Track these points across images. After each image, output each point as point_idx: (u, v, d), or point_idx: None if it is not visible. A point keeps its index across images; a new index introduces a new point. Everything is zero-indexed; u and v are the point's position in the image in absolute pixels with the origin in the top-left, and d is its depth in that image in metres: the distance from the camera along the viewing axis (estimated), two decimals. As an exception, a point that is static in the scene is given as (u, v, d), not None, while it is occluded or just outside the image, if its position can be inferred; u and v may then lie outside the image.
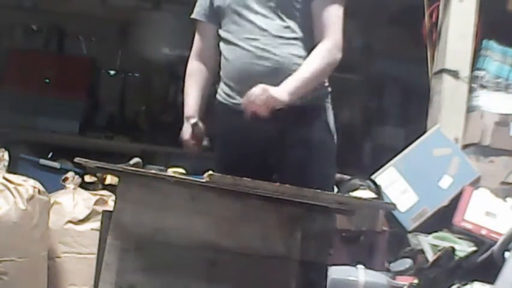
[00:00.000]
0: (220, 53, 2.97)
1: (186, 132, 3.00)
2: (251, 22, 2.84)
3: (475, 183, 4.40)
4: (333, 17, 2.82)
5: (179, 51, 6.41)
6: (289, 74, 2.77)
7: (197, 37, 3.11)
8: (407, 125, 6.13)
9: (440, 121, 4.53)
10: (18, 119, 5.92)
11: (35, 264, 3.29)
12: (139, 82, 6.76)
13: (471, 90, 4.61)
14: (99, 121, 6.54)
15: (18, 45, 6.41)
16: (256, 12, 2.84)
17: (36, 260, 3.30)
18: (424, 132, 4.54)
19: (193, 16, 3.07)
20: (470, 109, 4.59)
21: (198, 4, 3.08)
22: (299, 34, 2.84)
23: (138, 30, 6.14)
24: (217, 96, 3.00)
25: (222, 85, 2.99)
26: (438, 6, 4.70)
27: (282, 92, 2.71)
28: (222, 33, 2.94)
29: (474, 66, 4.64)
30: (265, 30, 2.83)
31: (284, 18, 2.83)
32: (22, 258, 3.21)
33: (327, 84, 2.93)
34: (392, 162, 4.41)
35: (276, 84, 2.75)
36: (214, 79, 3.08)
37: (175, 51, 6.48)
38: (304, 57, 2.81)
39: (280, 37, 2.82)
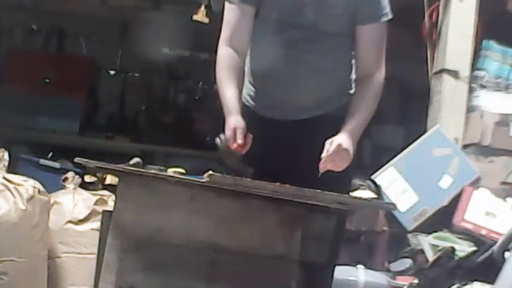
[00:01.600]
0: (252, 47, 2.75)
1: (228, 128, 2.60)
2: (297, 29, 2.69)
3: (475, 183, 4.40)
4: (383, 48, 2.77)
5: (179, 51, 6.43)
6: (321, 89, 2.71)
7: (230, 20, 2.72)
8: (407, 125, 6.13)
9: (440, 121, 4.52)
10: (18, 119, 5.92)
11: (35, 264, 3.29)
12: (139, 82, 6.75)
13: (471, 90, 4.61)
14: (99, 121, 6.54)
15: (18, 45, 6.41)
16: (304, 22, 2.68)
17: (36, 260, 3.30)
18: (424, 132, 4.53)
19: None
20: (470, 109, 4.59)
21: None
22: (333, 48, 2.74)
23: (138, 30, 6.14)
24: (243, 100, 2.79)
25: (248, 88, 2.82)
26: (438, 6, 4.69)
27: (351, 144, 2.60)
28: (261, 26, 2.72)
29: (474, 66, 4.64)
30: (307, 40, 2.70)
31: (326, 33, 2.71)
32: (22, 258, 3.21)
33: (352, 89, 2.84)
34: (392, 162, 4.40)
35: (306, 95, 2.70)
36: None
37: (175, 51, 6.48)
38: (334, 71, 2.73)
39: (319, 51, 2.71)
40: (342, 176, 2.66)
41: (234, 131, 2.57)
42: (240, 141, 2.55)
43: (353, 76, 2.83)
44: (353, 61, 2.81)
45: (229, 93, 2.64)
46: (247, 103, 2.80)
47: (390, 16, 2.80)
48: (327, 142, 2.57)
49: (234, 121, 2.58)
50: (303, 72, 2.71)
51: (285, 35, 2.69)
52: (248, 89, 2.82)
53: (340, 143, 2.55)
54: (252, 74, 2.79)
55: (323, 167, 2.55)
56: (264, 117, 2.77)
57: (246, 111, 2.69)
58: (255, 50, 2.76)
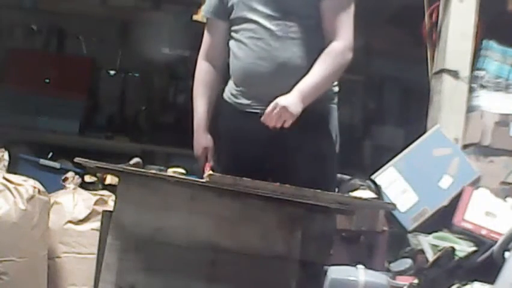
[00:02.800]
0: (229, 51, 2.95)
1: (199, 146, 3.05)
2: (255, 22, 2.83)
3: (475, 183, 4.39)
4: (344, 17, 2.80)
5: (180, 51, 6.42)
6: (292, 75, 2.76)
7: (206, 35, 3.06)
8: (407, 125, 6.13)
9: (440, 121, 4.52)
10: (18, 119, 5.91)
11: (35, 264, 3.29)
12: (139, 82, 6.75)
13: (471, 90, 4.61)
14: (99, 121, 6.53)
15: (18, 45, 6.40)
16: (261, 12, 2.82)
17: (36, 260, 3.30)
18: (424, 132, 4.53)
19: (202, 14, 3.09)
20: (470, 109, 4.59)
21: (206, 1, 3.04)
22: (303, 35, 2.82)
23: (138, 30, 6.14)
24: (224, 94, 3.01)
25: (229, 83, 3.00)
26: (438, 6, 4.69)
27: (295, 102, 2.69)
28: (231, 30, 2.93)
29: (474, 66, 4.64)
30: (268, 29, 2.82)
31: (288, 18, 2.81)
32: (22, 258, 3.20)
33: (334, 84, 2.92)
34: (392, 162, 4.40)
35: (280, 85, 2.74)
36: (222, 79, 3.06)
37: (175, 51, 6.48)
38: (307, 58, 2.81)
39: (284, 37, 2.81)
40: (325, 171, 2.82)
41: (205, 151, 2.99)
42: (211, 162, 2.96)
43: None
44: None
45: (199, 109, 3.06)
46: (229, 100, 2.96)
47: None
48: (270, 105, 2.71)
49: (203, 141, 3.03)
50: (277, 67, 2.80)
51: (256, 34, 2.83)
52: (231, 87, 2.97)
53: (277, 102, 2.69)
54: (233, 74, 2.95)
55: (263, 121, 2.71)
56: (246, 112, 2.88)
57: (228, 109, 2.94)
58: (233, 50, 2.92)
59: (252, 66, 2.83)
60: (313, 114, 2.79)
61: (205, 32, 3.05)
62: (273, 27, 2.81)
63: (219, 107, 3.04)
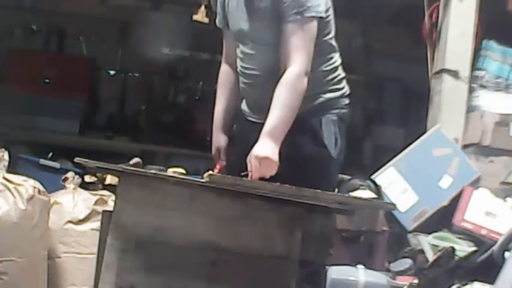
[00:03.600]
0: None
1: (213, 145, 3.07)
2: (239, 30, 2.91)
3: (475, 183, 4.40)
4: (300, 41, 2.73)
5: (180, 51, 6.43)
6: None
7: (224, 41, 3.14)
8: (407, 125, 6.13)
9: (440, 121, 4.52)
10: (18, 119, 5.92)
11: (35, 264, 3.29)
12: (139, 82, 6.75)
13: (471, 90, 4.61)
14: (99, 121, 6.54)
15: (18, 45, 6.41)
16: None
17: (36, 260, 3.30)
18: (424, 132, 4.53)
19: (217, 24, 3.10)
20: (470, 109, 4.59)
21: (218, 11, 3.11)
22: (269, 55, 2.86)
23: (138, 30, 6.14)
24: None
25: None
26: (438, 6, 4.69)
27: (266, 147, 2.66)
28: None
29: (474, 66, 4.64)
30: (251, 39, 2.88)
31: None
32: (22, 258, 3.20)
33: (331, 90, 2.90)
34: (392, 162, 4.40)
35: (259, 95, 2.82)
36: None
37: (175, 51, 6.48)
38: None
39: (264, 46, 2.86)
40: (320, 174, 2.81)
41: (218, 150, 3.02)
42: (223, 162, 2.99)
43: (328, 78, 2.90)
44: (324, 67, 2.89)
45: (216, 108, 3.08)
46: (242, 109, 3.05)
47: (310, 13, 2.75)
48: (248, 160, 2.67)
49: (217, 140, 3.05)
50: (262, 80, 2.85)
51: (241, 48, 2.93)
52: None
53: (256, 155, 2.65)
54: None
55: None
56: (249, 120, 2.98)
57: (240, 117, 3.04)
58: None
59: (249, 82, 2.92)
60: (299, 123, 2.77)
61: (223, 38, 3.13)
62: (256, 49, 2.88)
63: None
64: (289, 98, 2.70)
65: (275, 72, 2.77)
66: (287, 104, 2.70)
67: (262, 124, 2.74)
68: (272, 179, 2.67)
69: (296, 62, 2.72)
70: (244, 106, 3.03)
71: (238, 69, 2.98)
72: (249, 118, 2.98)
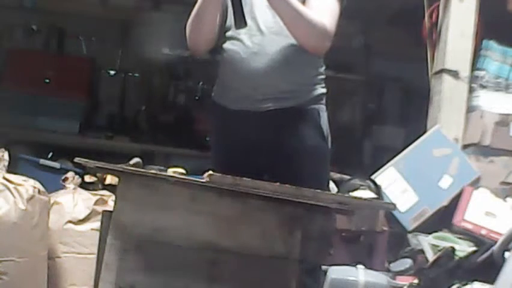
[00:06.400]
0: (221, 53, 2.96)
1: None
2: (252, 18, 2.84)
3: (475, 183, 4.40)
4: (329, 6, 2.78)
5: (179, 51, 6.43)
6: (284, 74, 2.78)
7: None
8: (407, 125, 6.13)
9: (440, 121, 4.52)
10: (18, 119, 5.91)
11: (35, 264, 3.29)
12: (139, 82, 6.75)
13: (471, 90, 4.61)
14: (99, 121, 6.53)
15: (18, 45, 6.41)
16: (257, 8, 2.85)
17: (36, 260, 3.30)
18: (424, 132, 4.53)
19: None
20: (470, 109, 4.59)
21: None
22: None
23: (138, 30, 6.14)
24: (212, 96, 3.02)
25: (216, 84, 3.01)
26: (438, 6, 4.69)
27: None
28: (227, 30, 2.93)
29: (474, 66, 4.64)
30: (262, 27, 2.84)
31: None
32: (22, 258, 3.21)
33: (322, 85, 2.95)
34: (392, 162, 4.40)
35: (268, 82, 2.78)
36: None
37: (175, 51, 6.48)
38: (298, 59, 2.81)
39: (276, 34, 2.82)
40: (317, 170, 2.83)
41: None
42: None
43: (321, 71, 2.93)
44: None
45: None
46: (217, 101, 2.95)
47: None
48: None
49: None
50: (263, 63, 2.80)
51: (243, 31, 2.83)
52: (219, 87, 2.98)
53: None
54: (222, 72, 2.95)
55: None
56: (233, 110, 2.88)
57: (217, 110, 2.93)
58: (224, 47, 2.91)
59: (245, 62, 2.84)
60: (302, 112, 2.83)
61: None
62: (265, 24, 2.84)
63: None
64: (304, 13, 2.69)
65: (296, 61, 2.80)
66: (302, 13, 2.69)
67: (252, 113, 2.79)
68: (277, 166, 2.71)
69: (323, 18, 2.73)
70: (225, 98, 2.93)
71: (229, 54, 2.89)
72: (235, 109, 2.89)
